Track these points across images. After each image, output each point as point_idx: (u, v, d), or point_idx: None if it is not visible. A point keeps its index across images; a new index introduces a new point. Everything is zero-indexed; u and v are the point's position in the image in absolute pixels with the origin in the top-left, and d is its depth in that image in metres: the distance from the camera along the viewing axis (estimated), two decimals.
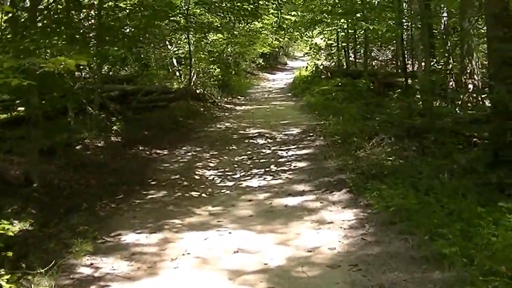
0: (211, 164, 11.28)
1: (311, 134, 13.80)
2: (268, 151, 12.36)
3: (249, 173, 10.31)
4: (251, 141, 13.78)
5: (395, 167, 9.11)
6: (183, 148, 13.07)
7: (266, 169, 10.47)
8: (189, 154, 12.43)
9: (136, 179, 9.96)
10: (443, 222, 6.08)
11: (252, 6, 14.60)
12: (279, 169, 10.46)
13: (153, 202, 8.50)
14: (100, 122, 13.42)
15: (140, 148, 12.63)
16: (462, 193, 7.11)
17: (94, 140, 12.17)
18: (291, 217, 7.35)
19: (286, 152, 12.04)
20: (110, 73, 17.80)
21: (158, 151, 12.57)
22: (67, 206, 8.09)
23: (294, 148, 12.46)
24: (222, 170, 10.69)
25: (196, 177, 10.20)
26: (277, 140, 13.76)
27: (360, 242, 6.20)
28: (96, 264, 6.03)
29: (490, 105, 11.18)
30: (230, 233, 6.84)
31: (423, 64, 17.42)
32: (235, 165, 11.05)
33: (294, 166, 10.61)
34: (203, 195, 8.87)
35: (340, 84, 22.70)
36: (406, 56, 15.18)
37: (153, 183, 9.79)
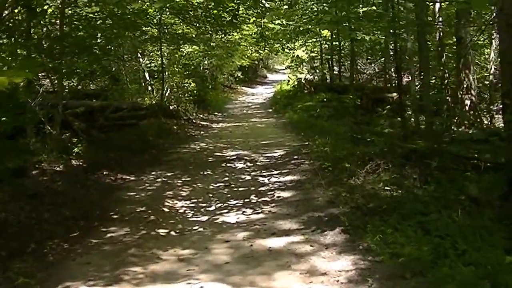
0: (183, 193, 10.15)
1: (295, 157, 12.81)
2: (248, 177, 11.28)
3: (225, 204, 9.18)
4: (228, 164, 12.76)
5: (395, 200, 8.07)
6: (153, 173, 11.96)
7: (246, 200, 9.35)
8: (159, 180, 11.31)
9: (96, 211, 8.84)
10: (467, 279, 5.03)
11: (230, 15, 13.57)
12: (260, 200, 9.34)
13: (113, 243, 7.34)
14: (61, 142, 12.29)
15: (104, 173, 11.49)
16: (480, 233, 6.12)
17: (52, 164, 11.01)
18: (276, 265, 6.21)
19: (268, 179, 10.96)
20: (79, 87, 16.93)
21: (124, 177, 11.46)
22: (12, 247, 6.94)
23: (277, 174, 11.39)
24: (195, 200, 9.56)
25: (165, 209, 9.05)
26: (257, 163, 12.72)
27: None
28: None
29: (503, 126, 10.22)
30: (202, 287, 5.73)
31: (416, 78, 16.59)
32: (210, 195, 9.92)
33: (277, 197, 9.50)
34: (172, 233, 7.74)
35: (325, 99, 21.84)
36: (399, 69, 14.18)
37: (115, 217, 8.65)
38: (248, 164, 12.70)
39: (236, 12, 12.93)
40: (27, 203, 8.68)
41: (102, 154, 12.78)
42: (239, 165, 12.64)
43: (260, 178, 11.09)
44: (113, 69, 20.97)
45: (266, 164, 12.59)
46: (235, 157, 13.60)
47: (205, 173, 11.88)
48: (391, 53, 23.54)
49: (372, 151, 10.56)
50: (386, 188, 8.78)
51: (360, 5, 16.17)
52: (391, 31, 13.49)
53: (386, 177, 9.19)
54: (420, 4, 11.34)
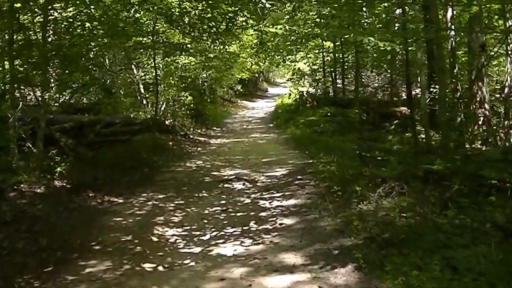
0: (175, 219, 9.21)
1: (299, 177, 11.91)
2: (247, 200, 10.37)
3: (222, 233, 8.22)
4: (226, 185, 11.86)
5: (413, 229, 7.17)
6: (143, 194, 11.06)
7: (244, 228, 8.40)
8: (149, 203, 10.38)
9: (76, 240, 7.93)
10: None
11: (226, 20, 12.72)
12: (260, 227, 8.39)
13: (90, 280, 6.42)
14: (44, 161, 11.45)
15: (90, 194, 10.61)
16: None
17: (33, 185, 10.13)
18: None
19: (270, 203, 10.01)
20: (72, 101, 16.24)
21: (111, 199, 10.57)
22: None
23: (279, 196, 10.45)
24: (188, 227, 8.62)
25: (154, 238, 8.12)
26: (257, 184, 11.81)
27: None
28: None
29: None
30: None
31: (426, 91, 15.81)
32: (205, 221, 8.98)
33: (280, 224, 8.54)
34: (160, 268, 6.81)
35: (328, 114, 21.04)
36: (410, 81, 13.32)
37: (97, 247, 7.71)
38: (248, 184, 11.82)
39: (232, 15, 12.04)
40: (1, 230, 7.84)
41: (89, 173, 11.93)
42: (238, 186, 11.76)
43: (261, 202, 10.17)
44: (108, 81, 20.29)
45: (267, 185, 11.68)
46: (233, 176, 12.71)
47: (200, 195, 10.98)
48: (397, 64, 22.91)
49: (389, 175, 9.52)
50: (402, 214, 7.87)
51: (364, 14, 15.43)
52: (402, 39, 12.61)
53: (402, 202, 8.28)
54: (435, 8, 10.46)
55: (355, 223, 7.76)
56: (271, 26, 7.16)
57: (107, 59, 20.42)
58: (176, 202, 10.40)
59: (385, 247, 6.63)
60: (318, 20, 17.51)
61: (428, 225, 7.25)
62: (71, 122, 14.32)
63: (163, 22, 16.57)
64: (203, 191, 11.24)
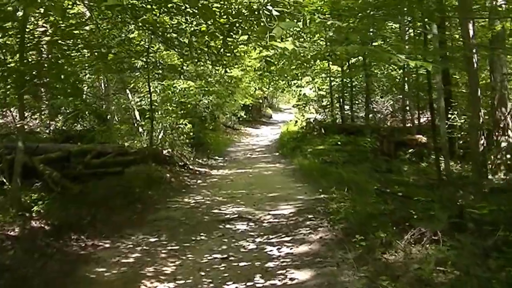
0: (167, 270, 7.87)
1: (310, 216, 10.67)
2: (252, 246, 9.04)
3: None
4: (227, 226, 10.56)
5: None
6: (132, 237, 9.77)
7: (248, 284, 7.08)
8: (138, 248, 9.06)
9: None
10: None
11: (224, 35, 11.61)
12: (268, 283, 7.04)
13: None
14: (22, 197, 10.32)
15: (72, 237, 9.35)
16: None
17: (7, 226, 8.94)
18: None
19: (278, 249, 8.66)
20: (64, 127, 15.28)
21: (96, 243, 9.32)
22: None
23: (289, 241, 9.12)
24: (182, 281, 7.31)
25: None
26: (263, 225, 10.54)
27: None
28: None
29: None
30: None
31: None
32: (202, 273, 7.63)
33: (291, 279, 7.18)
34: None
35: (338, 143, 19.95)
36: (432, 108, 12.21)
37: None
38: (252, 225, 10.54)
39: (230, 28, 10.91)
40: None
41: (73, 211, 10.66)
42: (241, 227, 10.47)
43: (268, 248, 8.83)
44: (103, 106, 19.33)
45: (274, 226, 10.38)
46: (236, 216, 11.43)
47: (198, 238, 9.69)
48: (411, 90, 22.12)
49: (433, 228, 7.98)
50: (438, 268, 6.56)
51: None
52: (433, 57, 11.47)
53: (437, 252, 6.98)
54: (466, 24, 9.26)
55: (384, 282, 6.42)
56: (279, 40, 5.94)
57: (102, 83, 19.52)
58: (169, 248, 9.09)
59: None
60: (331, 36, 16.52)
61: (473, 284, 5.97)
62: (58, 151, 13.34)
63: (158, 43, 15.48)
64: (201, 234, 9.93)
